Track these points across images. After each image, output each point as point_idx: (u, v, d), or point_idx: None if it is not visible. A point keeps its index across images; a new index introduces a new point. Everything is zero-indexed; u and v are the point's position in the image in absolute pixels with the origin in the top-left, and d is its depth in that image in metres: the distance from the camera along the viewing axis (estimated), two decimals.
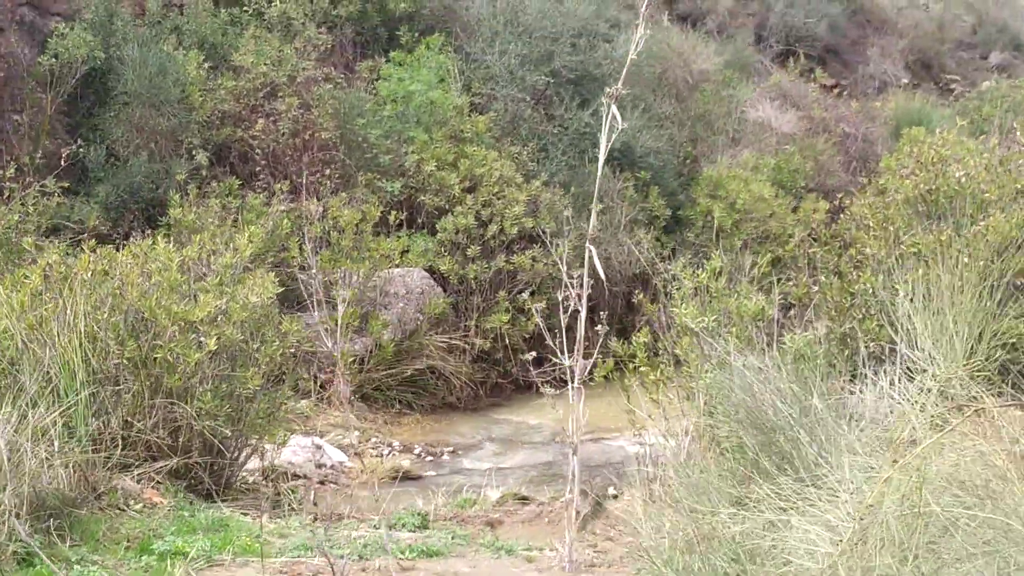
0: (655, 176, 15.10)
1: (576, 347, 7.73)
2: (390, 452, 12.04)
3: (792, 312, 9.57)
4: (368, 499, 10.71)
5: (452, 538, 8.35)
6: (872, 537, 4.85)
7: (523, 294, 13.41)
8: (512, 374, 13.52)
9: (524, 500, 10.38)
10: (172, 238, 12.14)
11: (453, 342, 13.32)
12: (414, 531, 8.65)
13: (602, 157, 7.27)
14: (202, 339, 8.68)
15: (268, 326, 9.10)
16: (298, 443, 11.38)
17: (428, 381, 13.11)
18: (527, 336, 13.33)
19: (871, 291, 9.01)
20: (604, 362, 9.71)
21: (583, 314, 7.62)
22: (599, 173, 7.56)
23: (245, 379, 8.79)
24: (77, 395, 8.22)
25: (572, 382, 7.77)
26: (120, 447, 8.49)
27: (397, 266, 13.39)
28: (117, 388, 8.55)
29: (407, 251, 13.36)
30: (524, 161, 14.62)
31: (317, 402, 12.57)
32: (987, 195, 9.22)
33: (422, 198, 13.88)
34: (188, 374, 8.61)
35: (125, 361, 8.51)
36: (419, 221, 13.95)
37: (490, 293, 13.47)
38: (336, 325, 12.59)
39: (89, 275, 8.61)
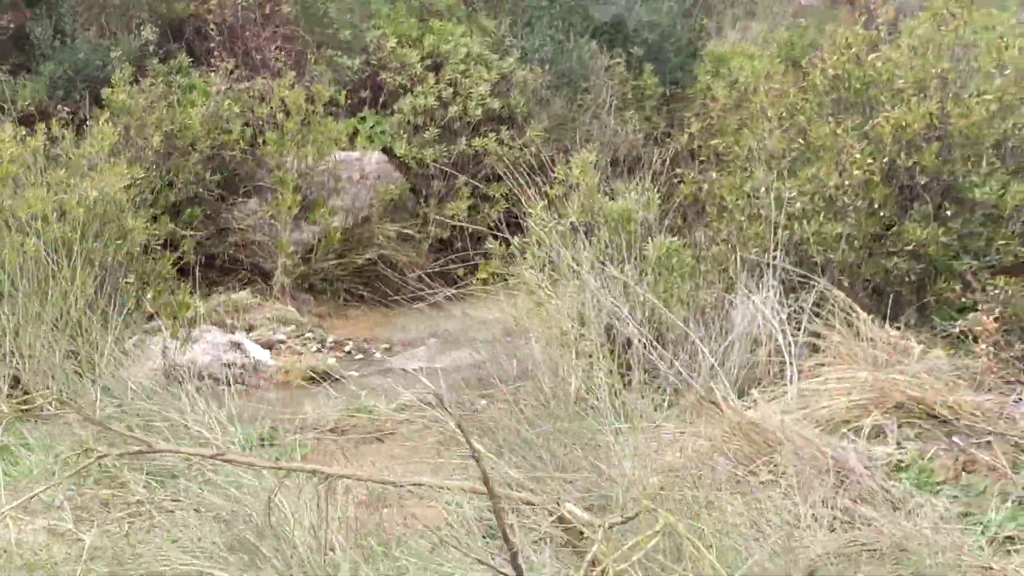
0: (651, 52, 13.97)
1: None
2: (318, 349, 11.39)
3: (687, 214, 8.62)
4: (279, 400, 10.16)
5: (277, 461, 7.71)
6: None
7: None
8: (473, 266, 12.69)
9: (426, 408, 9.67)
10: (111, 120, 11.58)
11: (408, 231, 12.55)
12: (252, 448, 8.02)
13: None
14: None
15: (111, 223, 8.43)
16: (214, 340, 10.79)
17: (380, 272, 12.37)
18: (491, 225, 12.49)
19: (763, 190, 8.02)
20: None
21: None
22: None
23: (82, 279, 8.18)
24: None
25: None
26: None
27: (348, 150, 12.61)
28: None
29: (356, 133, 12.54)
30: (500, 36, 13.63)
31: (257, 294, 11.96)
32: (902, 83, 8.11)
33: (383, 76, 13.03)
34: (12, 277, 8.03)
35: None
36: (380, 101, 13.10)
37: (452, 179, 12.63)
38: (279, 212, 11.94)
39: None
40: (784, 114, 8.21)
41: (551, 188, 8.34)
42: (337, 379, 10.79)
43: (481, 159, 12.70)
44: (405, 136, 12.73)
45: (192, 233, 11.71)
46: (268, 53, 12.83)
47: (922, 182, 7.79)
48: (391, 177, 12.71)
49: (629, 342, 7.59)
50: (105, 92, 11.79)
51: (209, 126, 11.92)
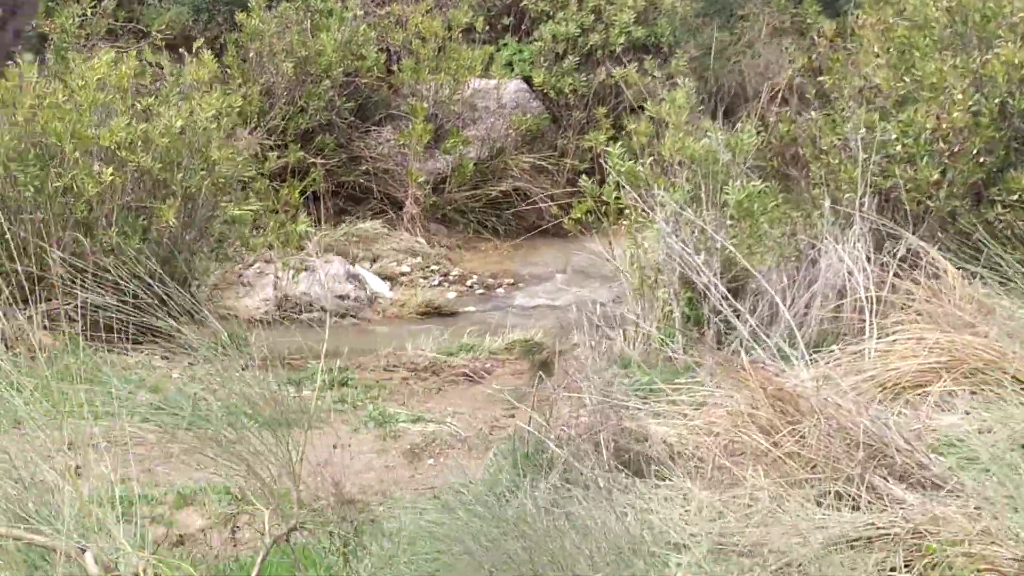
0: None
1: None
2: (439, 283, 11.20)
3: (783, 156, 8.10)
4: (384, 336, 10.04)
5: (341, 403, 7.56)
6: None
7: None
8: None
9: (536, 348, 9.42)
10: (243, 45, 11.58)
11: (542, 163, 12.22)
12: (322, 389, 7.86)
13: None
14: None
15: (196, 154, 8.32)
16: (331, 271, 10.70)
17: (514, 204, 12.09)
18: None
19: (860, 131, 7.47)
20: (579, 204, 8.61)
21: None
22: None
23: (161, 211, 8.12)
24: None
25: None
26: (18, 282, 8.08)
27: (486, 78, 12.32)
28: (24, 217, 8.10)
29: (492, 61, 12.22)
30: None
31: (386, 225, 11.82)
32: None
33: (525, 2, 12.67)
34: (91, 205, 8.02)
35: (31, 189, 8.02)
36: (522, 28, 12.76)
37: (592, 110, 12.23)
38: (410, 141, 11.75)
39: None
40: (892, 49, 7.58)
41: (639, 125, 7.90)
42: (451, 314, 10.62)
43: (623, 90, 12.24)
44: (545, 64, 12.35)
45: (322, 161, 11.62)
46: None
47: None
48: (529, 107, 12.40)
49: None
50: (240, 16, 11.72)
51: (343, 52, 11.75)
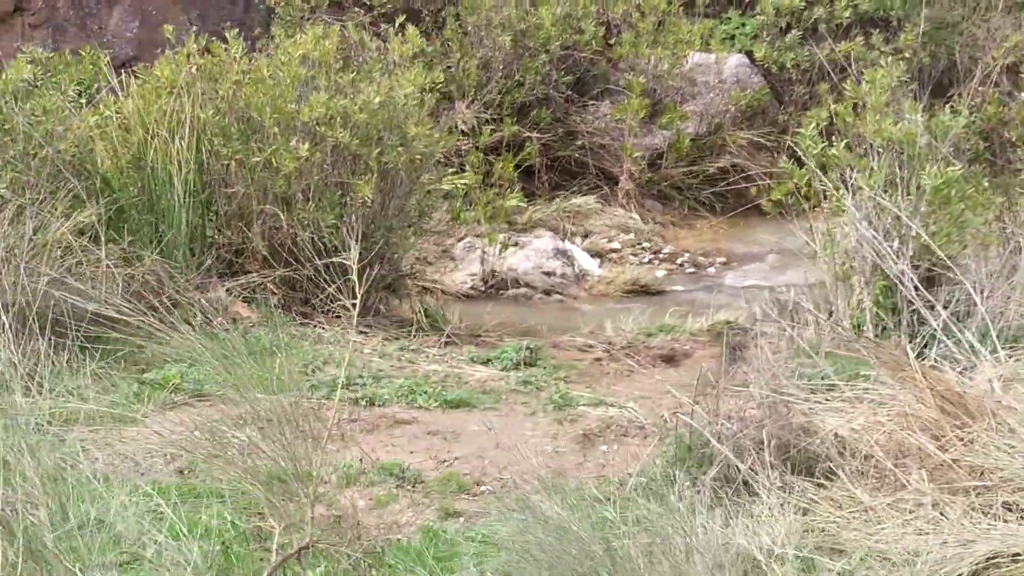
0: None
1: None
2: (650, 260, 11.07)
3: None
4: (586, 314, 9.98)
5: (525, 384, 7.52)
6: None
7: None
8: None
9: (739, 330, 9.22)
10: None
11: (761, 139, 11.94)
12: (509, 369, 7.86)
13: None
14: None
15: (395, 130, 8.40)
16: (540, 247, 10.70)
17: (731, 181, 11.86)
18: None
19: None
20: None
21: None
22: None
23: (358, 187, 8.23)
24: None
25: None
26: (220, 255, 8.34)
27: (706, 52, 12.10)
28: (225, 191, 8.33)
29: (711, 36, 11.99)
30: None
31: (600, 200, 11.74)
32: None
33: None
34: (290, 180, 8.19)
35: (232, 163, 8.24)
36: (746, 2, 12.48)
37: (815, 86, 11.89)
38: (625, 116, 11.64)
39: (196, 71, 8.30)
40: None
41: (838, 105, 7.63)
42: (658, 293, 10.49)
43: (849, 65, 11.85)
44: (767, 39, 12.06)
45: (538, 135, 11.61)
46: None
47: None
48: (750, 82, 12.14)
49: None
50: None
51: (562, 26, 11.69)
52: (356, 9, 11.64)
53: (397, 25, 9.55)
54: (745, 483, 5.33)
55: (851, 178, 6.90)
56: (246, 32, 10.04)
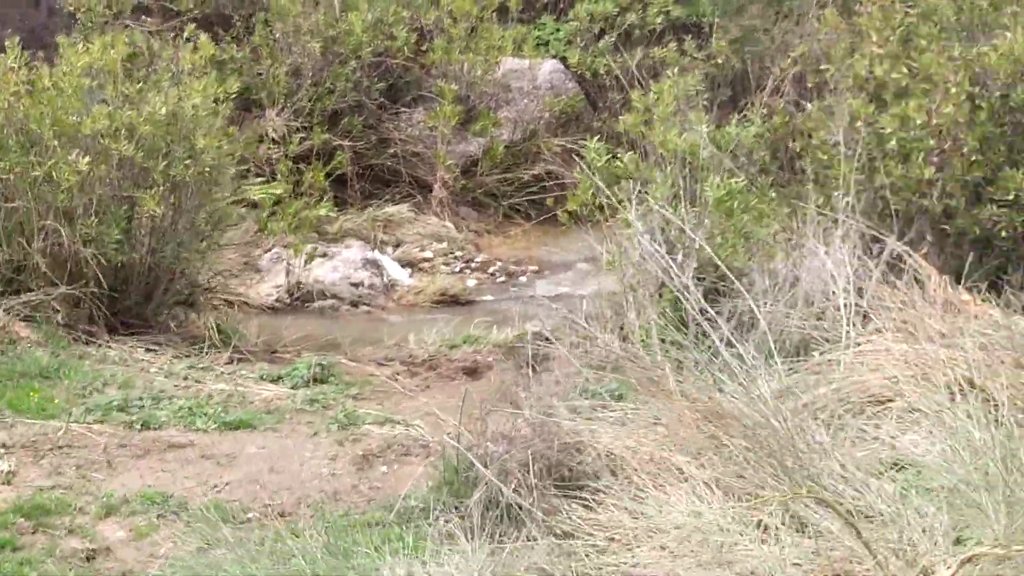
0: None
1: None
2: (461, 269, 10.96)
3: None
4: (393, 326, 9.84)
5: (312, 402, 7.34)
6: None
7: None
8: None
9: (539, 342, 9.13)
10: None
11: (576, 146, 11.88)
12: (299, 387, 7.66)
13: None
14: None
15: (184, 141, 8.16)
16: (348, 257, 10.52)
17: (546, 188, 11.79)
18: None
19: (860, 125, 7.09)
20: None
21: None
22: None
23: (144, 201, 7.99)
24: None
25: None
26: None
27: (521, 57, 12.03)
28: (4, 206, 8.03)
29: (524, 42, 11.92)
30: None
31: (415, 209, 11.61)
32: None
33: None
34: (72, 193, 7.90)
35: (11, 176, 7.93)
36: (559, 7, 12.45)
37: (628, 91, 11.86)
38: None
39: None
40: (893, 39, 7.18)
41: (624, 118, 7.60)
42: (468, 303, 10.39)
43: (662, 70, 11.86)
44: (581, 44, 12.03)
45: (350, 143, 11.44)
46: None
47: None
48: (564, 88, 12.10)
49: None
50: None
51: (373, 32, 11.53)
52: (157, 16, 11.36)
53: (191, 32, 9.24)
54: (510, 507, 5.25)
55: (635, 190, 6.84)
56: (49, 38, 9.74)
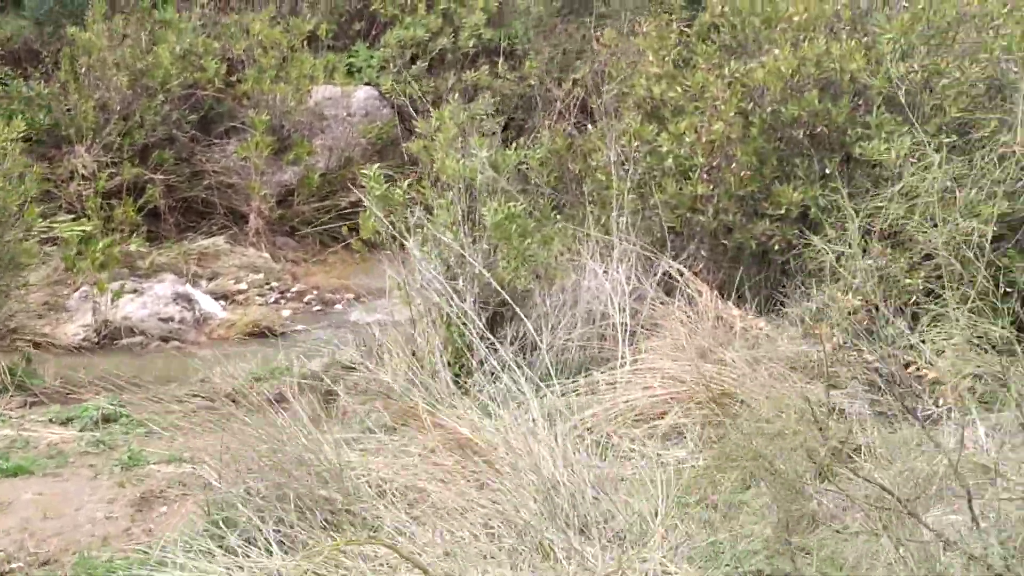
0: None
1: None
2: (276, 300, 10.86)
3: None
4: (202, 360, 9.67)
5: (98, 444, 7.19)
6: None
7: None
8: None
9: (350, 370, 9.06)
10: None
11: (391, 172, 11.84)
12: (88, 428, 7.50)
13: None
14: None
15: None
16: (158, 292, 10.35)
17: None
18: None
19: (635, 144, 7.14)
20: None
21: None
22: None
23: None
24: None
25: None
26: None
27: (336, 85, 11.98)
28: None
29: (335, 69, 11.87)
30: None
31: (231, 240, 11.47)
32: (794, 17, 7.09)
33: (375, 6, 12.32)
34: None
35: None
36: (373, 34, 12.41)
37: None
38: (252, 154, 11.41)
39: None
40: (668, 58, 7.25)
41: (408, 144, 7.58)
42: (281, 334, 10.27)
43: (479, 93, 11.88)
44: (395, 70, 12.00)
45: (162, 177, 11.28)
46: None
47: (800, 136, 6.79)
48: (379, 114, 12.06)
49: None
50: (71, 30, 11.36)
51: (182, 64, 11.38)
52: None
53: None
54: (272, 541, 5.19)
55: (416, 217, 6.83)
56: None
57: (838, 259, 6.09)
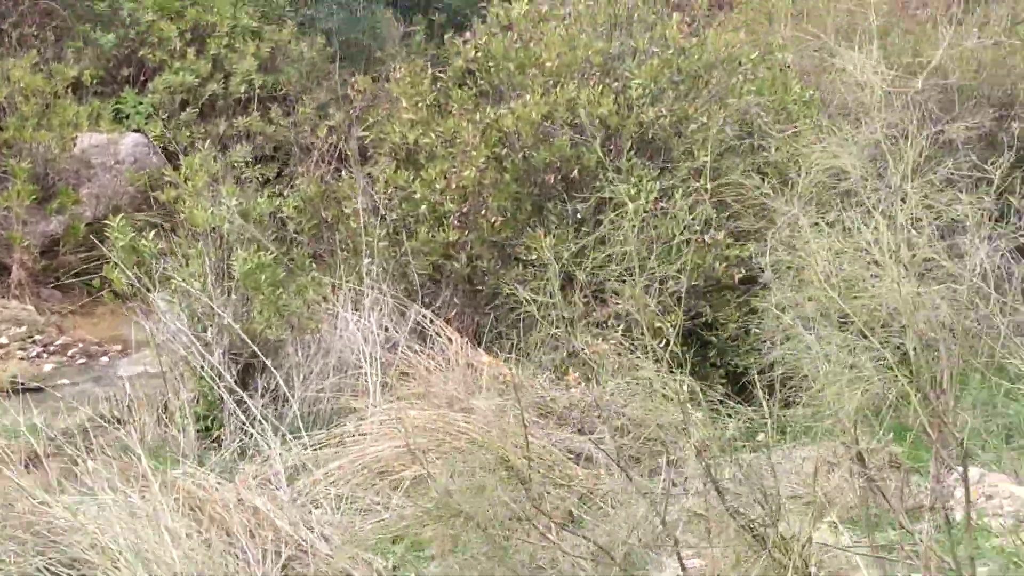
0: (454, 19, 12.78)
1: None
2: (38, 354, 10.46)
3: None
4: None
5: None
6: None
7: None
8: None
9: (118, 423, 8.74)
10: None
11: (163, 221, 11.57)
12: None
13: None
14: None
15: None
16: None
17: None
18: None
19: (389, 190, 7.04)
20: None
21: None
22: None
23: None
24: None
25: None
26: None
27: (104, 132, 11.67)
28: None
29: (100, 116, 11.57)
30: (280, 5, 12.60)
31: None
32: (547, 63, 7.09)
33: (143, 52, 12.05)
34: None
35: None
36: (142, 80, 12.14)
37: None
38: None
39: None
40: (422, 104, 7.19)
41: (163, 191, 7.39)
42: (41, 389, 9.89)
43: (252, 139, 11.67)
44: (164, 116, 11.74)
45: None
46: (26, 29, 11.87)
47: (552, 181, 6.78)
48: (148, 161, 11.76)
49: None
50: None
51: None
52: None
53: None
54: None
55: (160, 268, 6.63)
56: None
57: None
